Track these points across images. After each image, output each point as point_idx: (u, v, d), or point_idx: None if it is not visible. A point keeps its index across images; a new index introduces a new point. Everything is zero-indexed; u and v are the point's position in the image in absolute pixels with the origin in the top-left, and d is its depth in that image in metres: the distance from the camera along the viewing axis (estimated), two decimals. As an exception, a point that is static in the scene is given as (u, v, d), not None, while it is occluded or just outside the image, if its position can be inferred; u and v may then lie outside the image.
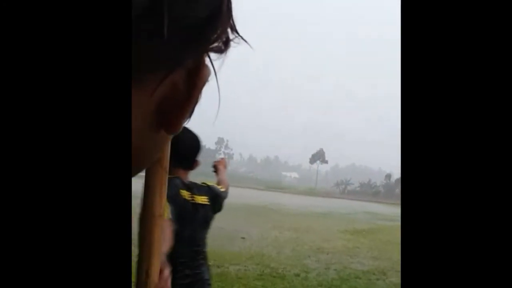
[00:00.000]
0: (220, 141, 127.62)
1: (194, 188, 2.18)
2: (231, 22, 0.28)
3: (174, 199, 1.90)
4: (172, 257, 1.72)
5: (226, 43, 0.29)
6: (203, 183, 2.32)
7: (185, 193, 2.07)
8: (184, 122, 0.29)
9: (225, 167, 2.53)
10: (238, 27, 0.29)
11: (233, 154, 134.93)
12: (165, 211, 0.90)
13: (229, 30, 0.28)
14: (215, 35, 0.27)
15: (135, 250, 0.72)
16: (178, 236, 1.83)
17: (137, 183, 0.65)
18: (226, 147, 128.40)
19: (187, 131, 2.12)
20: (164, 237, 1.58)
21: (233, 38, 0.29)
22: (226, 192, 2.43)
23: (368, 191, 76.23)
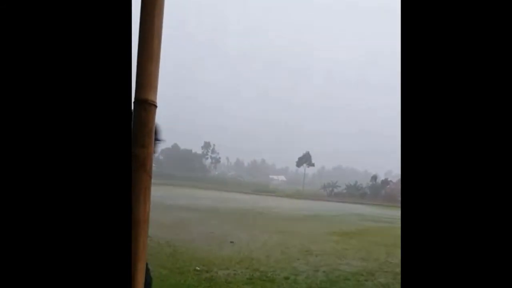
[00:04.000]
0: (206, 145, 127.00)
1: None
2: None
3: None
4: None
5: None
6: None
7: None
8: None
9: None
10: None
11: (219, 158, 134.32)
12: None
13: None
14: None
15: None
16: None
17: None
18: (213, 151, 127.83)
19: None
20: None
21: None
22: None
23: (355, 193, 76.60)
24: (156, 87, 0.81)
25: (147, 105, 0.76)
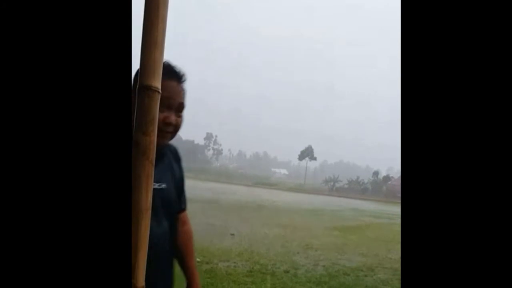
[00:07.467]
0: (208, 137, 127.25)
1: None
2: None
3: None
4: None
5: None
6: None
7: None
8: None
9: None
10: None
11: (222, 149, 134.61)
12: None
13: None
14: None
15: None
16: None
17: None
18: (215, 142, 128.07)
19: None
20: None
21: None
22: None
23: (356, 188, 76.66)
24: (160, 74, 0.79)
25: (150, 92, 0.74)
